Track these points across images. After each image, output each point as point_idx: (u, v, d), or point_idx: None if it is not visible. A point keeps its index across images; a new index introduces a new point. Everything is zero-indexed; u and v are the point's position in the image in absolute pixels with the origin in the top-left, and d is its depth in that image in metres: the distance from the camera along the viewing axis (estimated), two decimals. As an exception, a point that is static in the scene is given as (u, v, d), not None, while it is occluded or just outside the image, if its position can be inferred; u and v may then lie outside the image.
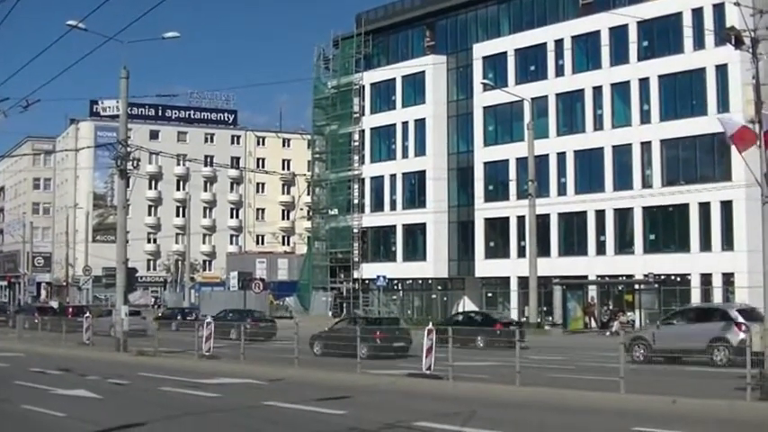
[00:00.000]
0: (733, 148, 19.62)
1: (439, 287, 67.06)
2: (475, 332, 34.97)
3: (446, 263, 65.93)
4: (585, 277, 55.32)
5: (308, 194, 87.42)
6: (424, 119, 66.78)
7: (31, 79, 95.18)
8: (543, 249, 54.63)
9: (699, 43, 51.94)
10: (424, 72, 66.71)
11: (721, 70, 50.12)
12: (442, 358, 20.52)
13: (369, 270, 68.41)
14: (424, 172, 66.37)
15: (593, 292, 54.30)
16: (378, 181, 69.87)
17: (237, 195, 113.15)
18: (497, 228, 61.66)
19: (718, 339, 26.11)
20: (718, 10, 48.41)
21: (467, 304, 63.17)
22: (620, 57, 55.77)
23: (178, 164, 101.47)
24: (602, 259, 55.71)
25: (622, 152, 55.41)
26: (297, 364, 24.70)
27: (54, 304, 71.15)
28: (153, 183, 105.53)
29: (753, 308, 32.82)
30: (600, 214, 56.06)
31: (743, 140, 17.00)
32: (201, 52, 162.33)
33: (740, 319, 26.54)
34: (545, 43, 59.62)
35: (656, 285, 51.01)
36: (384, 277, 62.68)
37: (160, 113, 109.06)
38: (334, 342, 30.16)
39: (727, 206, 50.21)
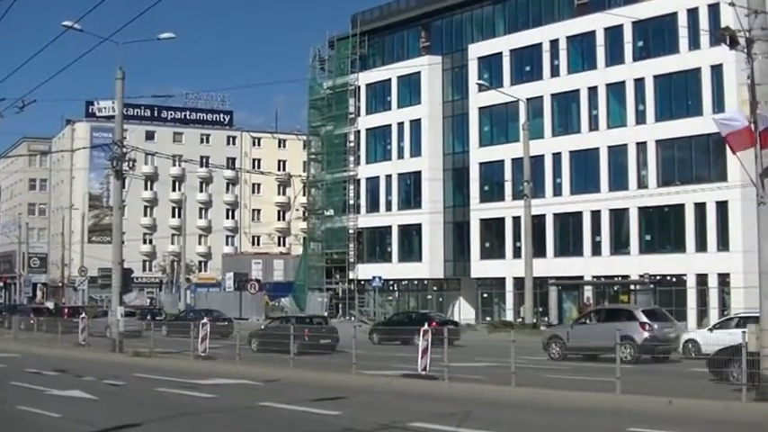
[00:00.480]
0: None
1: (434, 288, 67.06)
2: (412, 331, 35.42)
3: (442, 263, 65.93)
4: (581, 278, 55.39)
5: (304, 195, 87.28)
6: (419, 119, 66.80)
7: (28, 80, 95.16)
8: (539, 250, 54.62)
9: (694, 43, 51.95)
10: (419, 73, 66.76)
11: (716, 70, 50.14)
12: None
13: (364, 271, 68.38)
14: (419, 172, 66.39)
15: (588, 292, 54.38)
16: (373, 181, 69.86)
17: (233, 196, 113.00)
18: (493, 228, 61.64)
19: (624, 338, 27.58)
20: (713, 10, 48.37)
21: (462, 305, 63.21)
22: (615, 57, 55.79)
23: (174, 164, 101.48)
24: (598, 260, 55.72)
25: (618, 152, 55.42)
26: (292, 364, 24.75)
27: (50, 305, 71.05)
28: (149, 183, 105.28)
29: (659, 309, 33.95)
30: (595, 215, 56.05)
31: (738, 141, 16.96)
32: (197, 53, 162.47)
33: (644, 319, 28.63)
34: (540, 44, 59.61)
35: (652, 286, 51.00)
36: (380, 278, 62.64)
37: (156, 114, 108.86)
38: (268, 339, 31.87)
39: (722, 206, 50.22)
